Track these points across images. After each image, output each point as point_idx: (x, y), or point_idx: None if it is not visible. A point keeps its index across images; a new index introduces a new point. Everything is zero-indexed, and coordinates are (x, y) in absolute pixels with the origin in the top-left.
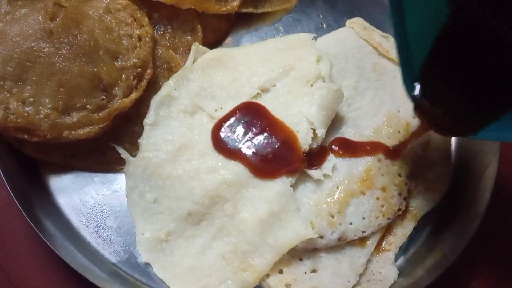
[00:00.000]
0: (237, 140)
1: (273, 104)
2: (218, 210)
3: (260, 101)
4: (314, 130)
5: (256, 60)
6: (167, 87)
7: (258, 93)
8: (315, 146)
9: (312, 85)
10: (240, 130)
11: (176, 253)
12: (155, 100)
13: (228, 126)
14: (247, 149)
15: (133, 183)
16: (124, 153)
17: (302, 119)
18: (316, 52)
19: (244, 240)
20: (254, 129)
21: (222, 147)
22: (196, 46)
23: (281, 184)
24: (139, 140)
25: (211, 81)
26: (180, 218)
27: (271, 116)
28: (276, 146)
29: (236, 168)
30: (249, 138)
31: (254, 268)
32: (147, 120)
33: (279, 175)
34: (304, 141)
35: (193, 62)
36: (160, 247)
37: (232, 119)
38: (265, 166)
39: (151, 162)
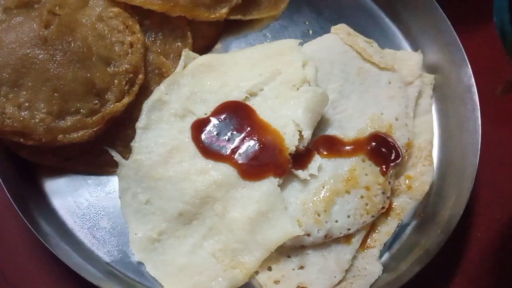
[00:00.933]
0: (222, 142)
1: (261, 108)
2: (209, 210)
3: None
4: (300, 132)
5: (245, 66)
6: (158, 92)
7: (246, 97)
8: (301, 147)
9: (298, 89)
10: (225, 131)
11: (168, 252)
12: (147, 105)
13: (212, 127)
14: (233, 152)
15: (126, 185)
16: (117, 156)
17: (288, 122)
18: (302, 57)
19: (234, 238)
20: (239, 130)
21: (207, 149)
22: (187, 52)
23: (269, 184)
24: (132, 143)
25: (201, 85)
26: (171, 218)
27: (257, 118)
28: (263, 148)
29: (225, 169)
30: (234, 140)
31: (244, 265)
32: (139, 124)
33: (266, 176)
34: (291, 142)
35: (184, 67)
36: (152, 246)
37: (217, 120)
38: (252, 168)
39: (143, 164)
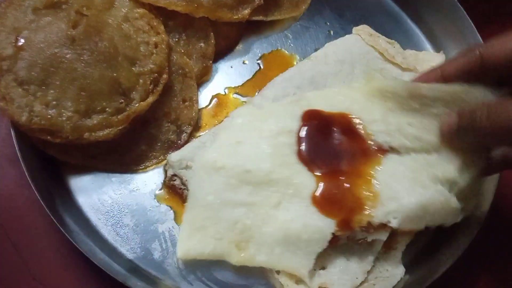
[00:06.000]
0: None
1: (386, 164)
2: (265, 196)
3: None
4: (394, 218)
5: None
6: None
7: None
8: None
9: (436, 183)
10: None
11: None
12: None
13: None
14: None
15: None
16: None
17: (396, 199)
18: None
19: (261, 237)
20: (349, 161)
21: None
22: None
23: (325, 223)
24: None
25: None
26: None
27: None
28: (349, 194)
29: (307, 180)
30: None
31: (248, 253)
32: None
33: (329, 216)
34: (379, 216)
35: None
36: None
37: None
38: (325, 201)
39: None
